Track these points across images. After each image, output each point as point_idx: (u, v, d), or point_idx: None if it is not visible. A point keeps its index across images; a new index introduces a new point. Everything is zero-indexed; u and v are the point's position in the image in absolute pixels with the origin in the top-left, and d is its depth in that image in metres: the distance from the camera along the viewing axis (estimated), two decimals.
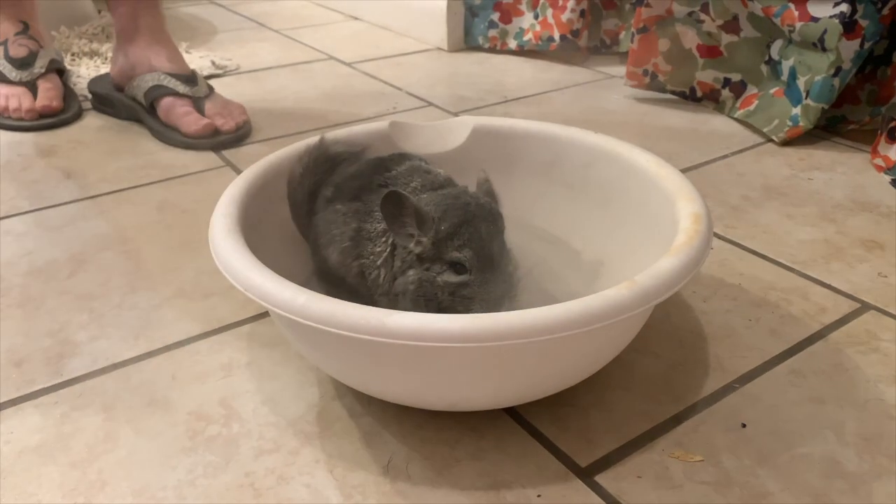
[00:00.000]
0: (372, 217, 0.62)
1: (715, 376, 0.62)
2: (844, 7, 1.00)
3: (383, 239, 0.61)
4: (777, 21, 1.09)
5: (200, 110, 1.10)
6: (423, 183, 0.63)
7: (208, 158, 1.05)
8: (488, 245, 0.57)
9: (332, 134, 0.72)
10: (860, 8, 1.00)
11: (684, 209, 0.57)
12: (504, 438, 0.56)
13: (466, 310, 0.56)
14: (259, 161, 0.68)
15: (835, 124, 1.12)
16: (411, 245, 0.58)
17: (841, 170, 1.00)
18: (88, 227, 0.87)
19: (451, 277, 0.56)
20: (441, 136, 0.78)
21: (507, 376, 0.49)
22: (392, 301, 0.60)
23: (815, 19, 1.03)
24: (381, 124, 0.76)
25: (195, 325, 0.69)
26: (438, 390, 0.51)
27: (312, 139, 0.71)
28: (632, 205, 0.68)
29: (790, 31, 1.07)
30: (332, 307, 0.45)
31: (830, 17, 1.02)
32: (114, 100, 1.20)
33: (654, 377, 0.62)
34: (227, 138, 1.09)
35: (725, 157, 1.05)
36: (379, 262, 0.61)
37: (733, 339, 0.67)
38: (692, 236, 0.53)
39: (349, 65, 1.50)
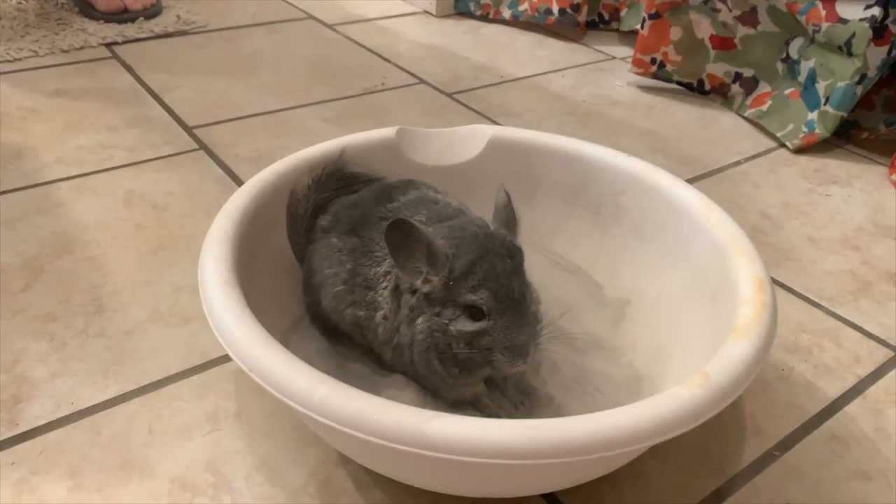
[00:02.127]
0: (370, 258, 0.54)
1: (753, 442, 0.57)
2: (876, 10, 0.94)
3: (384, 285, 0.53)
4: (801, 19, 1.02)
5: None
6: (429, 216, 0.55)
7: (180, 141, 0.94)
8: (507, 283, 0.49)
9: (350, 147, 0.63)
10: (892, 13, 0.94)
11: (743, 270, 0.51)
12: None
13: (485, 361, 0.49)
14: (254, 178, 0.59)
15: (847, 130, 1.07)
16: (418, 282, 0.50)
17: (858, 185, 0.96)
18: (44, 223, 0.77)
19: (467, 325, 0.49)
20: (453, 147, 0.70)
21: (555, 479, 0.43)
22: (396, 352, 0.53)
23: (844, 21, 0.97)
24: (388, 132, 0.68)
25: (174, 360, 0.61)
26: (473, 489, 0.44)
27: (330, 150, 0.62)
28: (668, 244, 0.62)
29: (815, 31, 1.01)
30: (358, 406, 0.38)
31: (860, 20, 0.95)
32: None
33: (688, 443, 0.57)
34: (134, 15, 1.30)
35: (738, 163, 0.99)
36: (378, 317, 0.53)
37: (768, 395, 0.62)
38: (760, 311, 0.46)
39: (331, 27, 1.38)
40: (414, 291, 0.51)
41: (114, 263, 0.72)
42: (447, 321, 0.49)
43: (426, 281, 0.50)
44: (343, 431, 0.38)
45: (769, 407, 0.61)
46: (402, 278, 0.51)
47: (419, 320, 0.51)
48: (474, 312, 0.49)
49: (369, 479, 0.52)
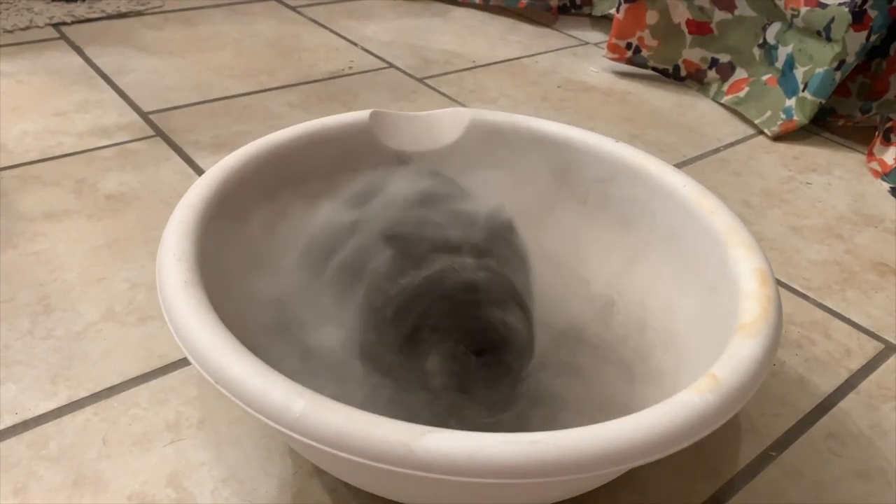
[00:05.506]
0: None
1: (749, 441, 0.55)
2: None
3: None
4: (780, 3, 1.00)
5: None
6: None
7: (135, 127, 0.88)
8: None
9: (321, 131, 0.59)
10: None
11: (745, 263, 0.48)
12: None
13: None
14: (218, 165, 0.54)
15: (823, 117, 1.06)
16: None
17: (838, 173, 0.94)
18: None
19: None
20: (430, 130, 0.66)
21: (555, 493, 0.40)
22: None
23: (823, 5, 0.95)
24: (361, 115, 0.63)
25: (130, 364, 0.56)
26: None
27: (298, 134, 0.58)
28: (659, 234, 0.59)
29: (793, 16, 0.99)
30: (341, 421, 0.34)
31: (840, 4, 0.94)
32: None
33: None
34: None
35: (718, 150, 0.97)
36: None
37: (761, 391, 0.59)
38: (766, 307, 0.44)
39: (294, 9, 1.32)
40: None
41: (63, 258, 0.66)
42: None
43: None
44: (325, 451, 0.33)
45: (763, 404, 0.58)
46: None
47: None
48: None
49: (347, 491, 0.48)
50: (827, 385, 0.61)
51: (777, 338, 0.42)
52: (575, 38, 1.31)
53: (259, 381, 0.35)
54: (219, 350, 0.37)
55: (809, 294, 0.72)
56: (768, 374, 0.61)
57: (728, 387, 0.38)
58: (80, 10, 1.18)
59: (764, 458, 0.54)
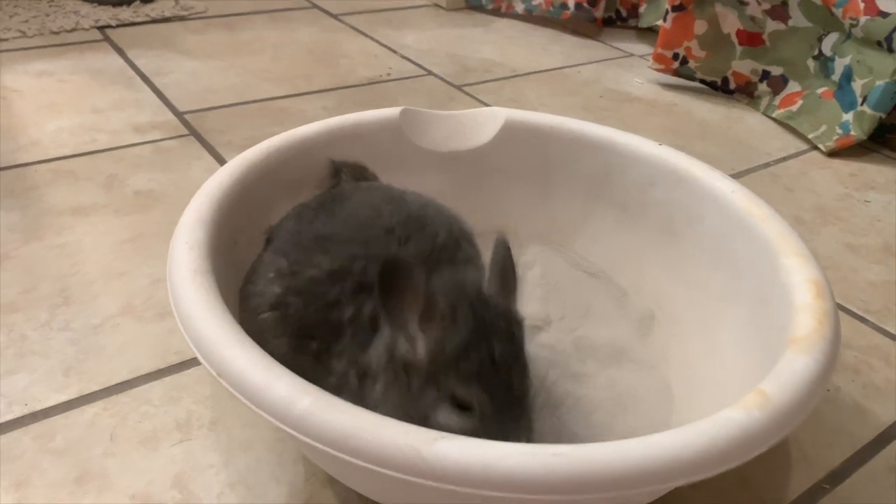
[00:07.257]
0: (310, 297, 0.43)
1: (799, 471, 0.50)
2: None
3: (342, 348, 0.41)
4: (837, 12, 0.95)
5: None
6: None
7: (169, 126, 0.88)
8: (506, 377, 0.37)
9: (349, 127, 0.57)
10: None
11: (798, 273, 0.44)
12: None
13: None
14: (239, 157, 0.52)
15: (882, 133, 1.00)
16: (401, 340, 0.38)
17: None
18: (14, 206, 0.70)
19: (452, 419, 0.37)
20: (464, 130, 0.63)
21: None
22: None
23: (884, 14, 0.90)
24: (391, 112, 0.61)
25: (145, 359, 0.54)
26: None
27: (327, 128, 0.57)
28: (704, 242, 0.55)
29: (851, 26, 0.94)
30: (346, 421, 0.31)
31: None
32: None
33: (726, 472, 0.50)
34: None
35: (768, 165, 0.92)
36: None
37: (813, 418, 0.55)
38: (822, 321, 0.40)
39: (335, 17, 1.32)
40: (389, 358, 0.39)
41: (87, 252, 0.65)
42: (428, 408, 0.37)
43: (410, 338, 0.38)
44: (328, 453, 0.31)
45: (815, 432, 0.53)
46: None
47: (392, 395, 0.39)
48: (463, 405, 0.37)
49: (360, 500, 0.45)
50: (888, 414, 0.56)
51: (834, 355, 0.38)
52: (619, 49, 1.28)
53: (262, 374, 0.33)
54: (223, 341, 0.35)
55: (868, 317, 0.66)
56: (822, 399, 0.56)
57: (778, 404, 0.34)
58: (125, 14, 1.19)
59: (816, 490, 0.49)
